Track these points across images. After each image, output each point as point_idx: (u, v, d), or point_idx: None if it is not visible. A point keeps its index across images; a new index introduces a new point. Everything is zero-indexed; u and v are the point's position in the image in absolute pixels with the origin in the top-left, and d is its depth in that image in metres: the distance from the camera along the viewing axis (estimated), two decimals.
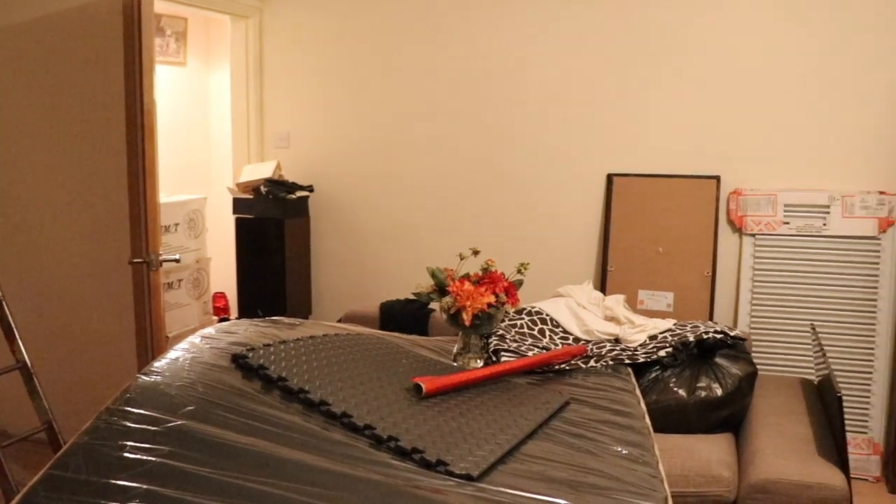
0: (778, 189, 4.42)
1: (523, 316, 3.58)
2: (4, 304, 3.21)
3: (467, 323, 2.60)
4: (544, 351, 3.14)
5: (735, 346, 3.47)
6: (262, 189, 5.18)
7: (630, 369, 2.90)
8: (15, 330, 3.20)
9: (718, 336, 3.42)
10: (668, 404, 3.26)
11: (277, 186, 5.22)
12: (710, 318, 4.48)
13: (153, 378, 2.00)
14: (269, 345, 2.23)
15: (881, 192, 4.24)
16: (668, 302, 4.56)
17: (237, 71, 5.57)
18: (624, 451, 1.98)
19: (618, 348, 3.29)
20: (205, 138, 6.51)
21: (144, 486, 1.58)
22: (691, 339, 3.40)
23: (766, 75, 4.44)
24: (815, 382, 3.81)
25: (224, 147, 6.09)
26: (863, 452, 4.27)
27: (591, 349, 3.20)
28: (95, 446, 1.71)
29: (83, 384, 3.99)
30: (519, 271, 2.77)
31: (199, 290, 5.86)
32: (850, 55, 4.29)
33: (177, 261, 3.65)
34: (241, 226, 5.32)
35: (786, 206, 4.38)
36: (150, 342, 3.62)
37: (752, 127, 4.49)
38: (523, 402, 2.24)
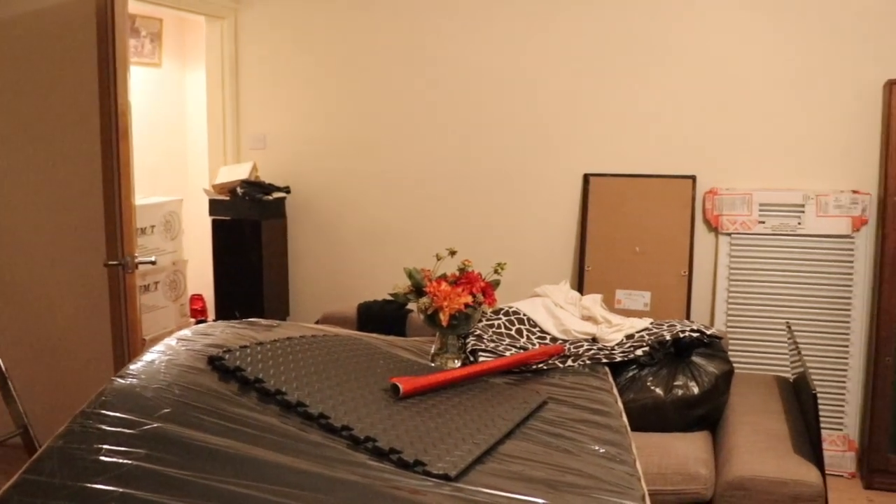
0: (753, 189, 4.45)
1: (500, 316, 3.58)
2: None
3: (444, 323, 2.60)
4: (522, 351, 3.15)
5: (711, 345, 3.48)
6: (239, 190, 5.16)
7: (607, 368, 2.91)
8: None
9: (695, 335, 3.43)
10: (645, 403, 3.27)
11: (254, 188, 5.20)
12: (687, 317, 4.50)
13: (129, 381, 1.99)
14: (245, 346, 2.23)
15: (854, 192, 4.28)
16: (646, 301, 4.58)
17: (213, 72, 5.55)
18: (601, 450, 1.99)
19: (595, 348, 3.30)
20: (181, 140, 6.47)
21: (120, 490, 1.57)
22: (668, 337, 3.41)
23: (742, 76, 4.47)
24: (791, 380, 3.83)
25: (200, 148, 6.05)
26: (838, 449, 4.30)
27: (569, 349, 3.20)
28: (70, 450, 1.70)
29: (58, 388, 3.96)
30: (496, 271, 2.78)
31: (176, 292, 5.82)
32: (824, 57, 4.33)
33: (153, 263, 3.62)
34: (217, 227, 5.29)
35: (761, 205, 4.41)
36: (127, 345, 3.60)
37: (728, 127, 4.52)
38: (501, 401, 2.25)
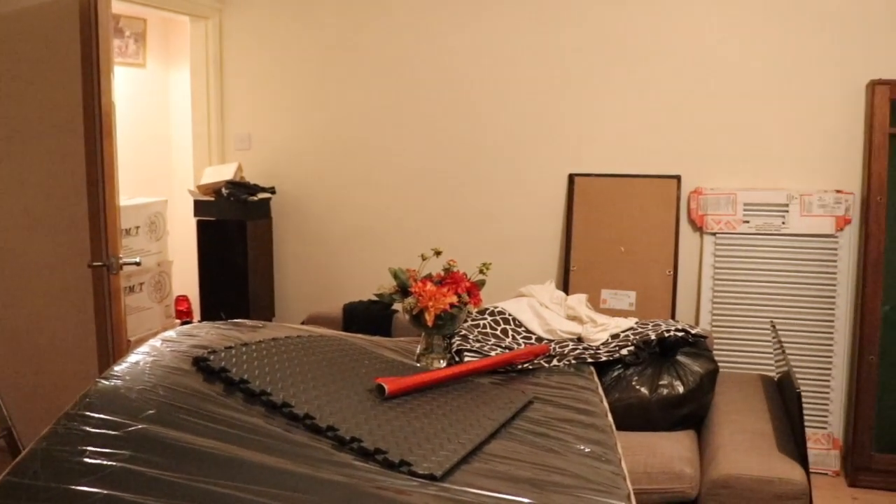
0: (737, 188, 4.47)
1: (486, 316, 3.58)
2: None
3: (430, 323, 2.60)
4: (507, 350, 3.15)
5: (696, 344, 3.49)
6: (224, 191, 5.15)
7: (592, 368, 2.92)
8: None
9: (680, 334, 3.44)
10: (630, 402, 3.28)
11: (239, 188, 5.19)
12: (672, 317, 4.52)
13: (113, 382, 1.98)
14: (230, 347, 2.22)
15: (838, 191, 4.30)
16: (631, 301, 4.59)
17: (197, 72, 5.53)
18: (587, 450, 1.99)
19: (580, 347, 3.31)
20: (165, 140, 6.45)
21: (105, 492, 1.56)
22: (653, 337, 3.42)
23: (726, 77, 4.49)
24: (775, 379, 3.85)
25: (185, 149, 6.04)
26: (822, 447, 4.32)
27: (554, 348, 3.21)
28: (54, 452, 1.69)
29: (43, 390, 3.94)
30: (481, 271, 2.78)
31: (161, 293, 5.80)
32: (808, 57, 4.35)
33: (137, 264, 3.61)
34: (202, 228, 5.27)
35: (745, 205, 4.43)
36: (111, 346, 3.58)
37: (712, 127, 4.54)
38: (486, 401, 2.25)
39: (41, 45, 3.76)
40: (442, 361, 2.67)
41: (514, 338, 3.46)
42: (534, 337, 3.49)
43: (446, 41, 4.99)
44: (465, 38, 4.94)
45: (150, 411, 1.84)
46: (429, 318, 2.59)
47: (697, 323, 4.53)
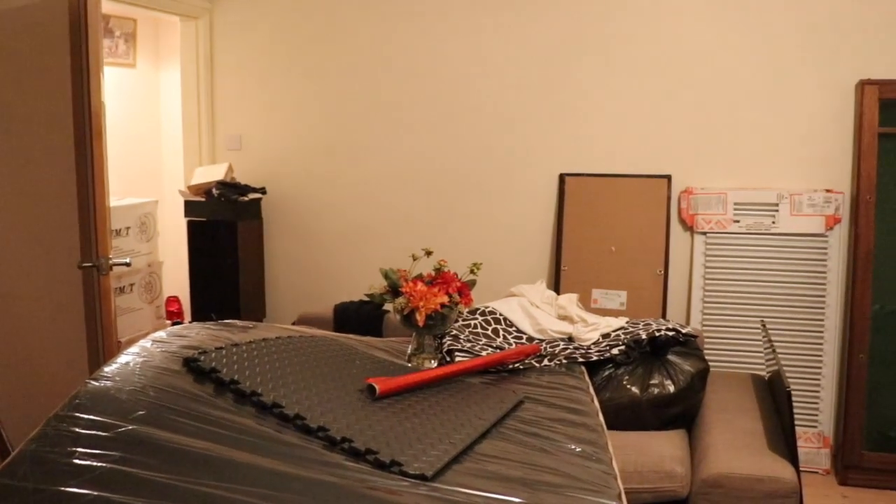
0: (728, 188, 4.48)
1: (477, 316, 3.58)
2: None
3: (421, 323, 2.60)
4: (498, 350, 3.15)
5: (687, 344, 3.50)
6: (214, 191, 5.14)
7: (583, 367, 2.92)
8: None
9: (670, 333, 3.45)
10: (621, 402, 3.28)
11: (230, 189, 5.18)
12: (663, 316, 4.53)
13: (103, 383, 1.97)
14: (221, 348, 2.21)
15: (828, 191, 4.32)
16: (622, 300, 4.60)
17: (187, 72, 5.52)
18: (578, 449, 1.99)
19: (571, 347, 3.31)
20: (155, 140, 6.43)
21: (94, 493, 1.55)
22: (644, 336, 3.43)
23: (716, 77, 4.50)
24: (766, 378, 3.86)
25: (175, 149, 6.02)
26: (813, 446, 4.34)
27: (545, 348, 3.21)
28: (43, 453, 1.68)
29: (32, 391, 3.92)
30: (472, 271, 2.78)
31: (152, 294, 5.79)
32: (797, 57, 4.36)
33: (127, 265, 3.60)
34: (193, 229, 5.26)
35: (736, 204, 4.45)
36: (101, 347, 3.57)
37: (703, 127, 4.55)
38: (477, 401, 2.25)
39: (30, 44, 3.74)
40: (433, 361, 2.67)
41: (504, 338, 3.46)
42: (525, 337, 3.50)
43: (437, 42, 4.99)
44: (456, 38, 4.94)
45: (141, 412, 1.84)
46: (419, 319, 2.59)
47: (688, 322, 4.54)
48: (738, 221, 4.44)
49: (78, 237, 3.50)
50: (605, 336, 3.51)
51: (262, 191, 5.37)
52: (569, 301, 3.84)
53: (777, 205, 4.37)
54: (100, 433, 1.75)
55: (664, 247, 4.56)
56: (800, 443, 4.24)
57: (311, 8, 5.23)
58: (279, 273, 5.51)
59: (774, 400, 3.43)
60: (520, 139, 4.89)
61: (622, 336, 3.48)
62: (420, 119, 5.07)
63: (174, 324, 5.71)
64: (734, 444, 3.01)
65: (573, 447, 2.00)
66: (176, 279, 5.96)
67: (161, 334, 2.39)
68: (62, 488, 1.57)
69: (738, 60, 4.46)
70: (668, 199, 4.57)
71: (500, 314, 3.63)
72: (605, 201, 4.68)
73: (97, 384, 1.97)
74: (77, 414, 1.82)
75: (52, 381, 3.89)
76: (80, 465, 1.64)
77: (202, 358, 2.10)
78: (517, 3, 4.79)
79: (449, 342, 3.13)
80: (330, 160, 5.30)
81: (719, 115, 4.52)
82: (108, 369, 2.06)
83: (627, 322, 3.67)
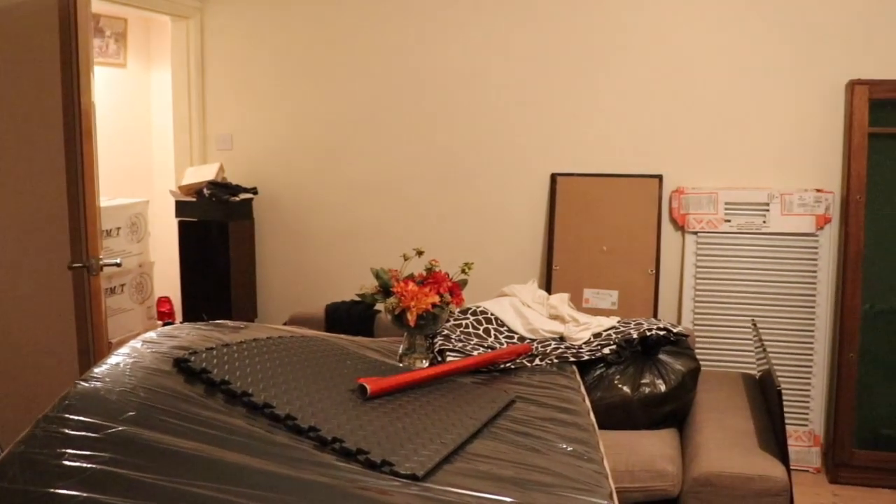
0: (719, 188, 4.49)
1: (468, 316, 3.58)
2: None
3: (412, 323, 2.60)
4: (490, 350, 3.15)
5: (678, 343, 3.50)
6: (206, 191, 5.13)
7: (575, 367, 2.92)
8: None
9: (661, 333, 3.45)
10: (612, 401, 3.28)
11: (221, 189, 5.17)
12: (655, 316, 4.53)
13: (93, 384, 1.96)
14: (211, 348, 2.21)
15: (818, 190, 4.33)
16: (613, 300, 4.60)
17: (178, 72, 5.51)
18: (569, 448, 2.00)
19: (562, 346, 3.31)
20: (146, 141, 6.42)
21: (84, 495, 1.55)
22: (635, 336, 3.43)
23: (707, 77, 4.51)
24: (757, 377, 3.87)
25: (166, 149, 6.01)
26: (804, 444, 4.35)
27: (536, 348, 3.21)
28: (33, 455, 1.67)
29: (22, 393, 3.91)
30: (463, 271, 2.78)
31: (143, 294, 5.77)
32: (787, 57, 4.38)
33: (118, 265, 3.58)
34: (184, 229, 5.25)
35: (727, 204, 4.46)
36: (92, 348, 3.56)
37: (694, 127, 4.56)
38: (469, 401, 2.25)
39: (19, 44, 3.72)
40: (424, 361, 2.67)
41: (496, 337, 3.46)
42: (516, 336, 3.50)
43: (428, 43, 4.99)
44: (447, 39, 4.94)
45: (131, 413, 1.83)
46: (411, 318, 2.59)
47: (679, 321, 4.55)
48: (729, 221, 4.45)
49: (68, 238, 3.49)
50: (597, 335, 3.51)
51: (254, 191, 5.36)
52: (560, 301, 3.84)
53: (768, 204, 4.38)
54: (90, 434, 1.74)
55: (655, 246, 4.57)
56: (790, 441, 4.26)
57: (301, 8, 5.22)
58: (271, 273, 5.50)
59: (765, 399, 3.44)
60: (511, 139, 4.89)
61: (613, 335, 3.49)
62: (411, 119, 5.07)
63: (165, 324, 5.70)
64: (725, 443, 3.01)
65: (564, 446, 2.00)
66: (167, 280, 5.95)
67: (151, 335, 2.39)
68: (52, 490, 1.56)
69: (728, 60, 4.47)
70: (660, 198, 4.58)
71: (492, 314, 3.63)
72: (597, 201, 4.68)
73: (87, 385, 1.96)
74: (67, 415, 1.81)
75: (42, 383, 3.87)
76: (70, 466, 1.63)
77: (193, 358, 2.10)
78: (507, 4, 4.79)
79: (440, 342, 3.13)
80: (321, 160, 5.29)
81: (710, 115, 4.53)
82: (98, 370, 2.05)
83: (619, 321, 3.67)
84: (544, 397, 2.41)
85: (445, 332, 3.26)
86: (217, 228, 5.17)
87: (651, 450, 3.08)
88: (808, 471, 4.33)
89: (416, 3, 4.98)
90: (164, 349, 2.22)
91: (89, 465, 1.63)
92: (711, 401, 3.49)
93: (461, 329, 3.43)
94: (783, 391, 2.89)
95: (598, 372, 3.35)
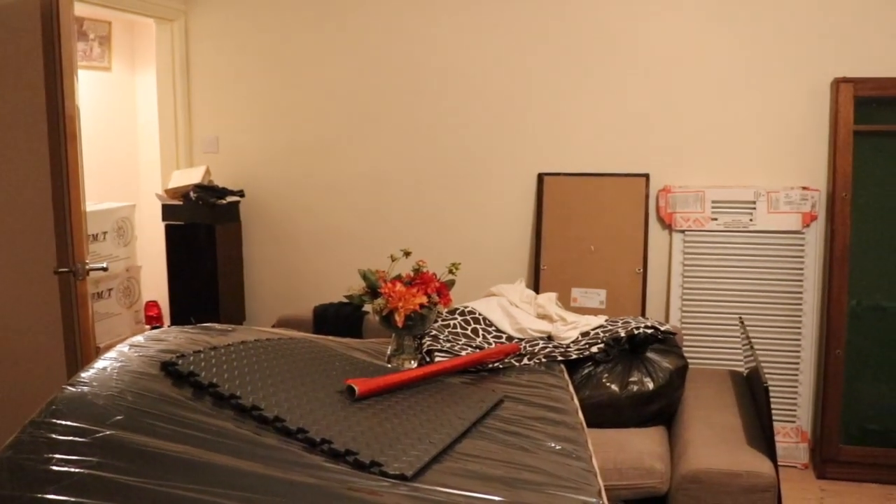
0: (706, 186, 4.50)
1: (456, 316, 3.58)
2: None
3: (400, 324, 2.60)
4: (478, 350, 3.16)
5: (666, 341, 3.51)
6: (192, 195, 5.11)
7: (563, 366, 2.93)
8: None
9: (649, 331, 3.46)
10: (600, 399, 3.29)
11: (207, 192, 5.15)
12: (642, 314, 4.54)
13: (80, 389, 1.96)
14: (199, 351, 2.21)
15: (804, 188, 4.35)
16: (601, 299, 4.61)
17: (163, 75, 5.49)
18: (558, 447, 2.00)
19: (550, 346, 3.32)
20: (132, 144, 6.39)
21: (72, 499, 1.55)
22: (623, 334, 3.44)
23: (693, 75, 4.52)
24: (744, 374, 3.88)
25: (152, 153, 5.99)
26: (791, 441, 4.37)
27: (525, 347, 3.22)
28: (20, 460, 1.67)
29: (9, 398, 3.89)
30: (450, 271, 2.78)
31: (130, 298, 5.75)
32: (773, 55, 4.39)
33: (104, 269, 3.58)
34: (171, 232, 5.23)
35: (713, 202, 4.47)
36: (79, 353, 3.54)
37: (680, 125, 4.57)
38: (457, 401, 2.25)
39: (1, 48, 3.71)
40: (412, 362, 2.67)
41: (484, 337, 3.46)
42: (504, 336, 3.50)
43: (414, 43, 4.99)
44: (433, 40, 4.94)
45: (118, 417, 1.83)
46: (399, 319, 2.59)
47: (667, 320, 4.56)
48: (715, 219, 4.47)
49: (54, 242, 3.47)
50: (585, 334, 3.52)
51: (241, 193, 5.35)
52: (548, 300, 3.85)
53: (754, 202, 4.40)
54: (77, 439, 1.74)
55: (643, 245, 4.58)
56: (778, 437, 4.27)
57: (286, 11, 5.21)
58: (258, 276, 5.49)
59: (753, 396, 3.45)
60: (498, 139, 4.89)
61: (601, 334, 3.49)
62: (398, 120, 5.07)
63: (153, 328, 5.69)
64: (713, 440, 3.02)
65: (553, 445, 2.01)
66: (154, 283, 5.93)
67: (139, 339, 2.38)
68: (39, 495, 1.56)
69: (714, 59, 4.48)
70: (647, 197, 4.59)
71: (480, 314, 3.63)
72: (584, 201, 4.69)
73: (74, 390, 1.95)
74: (54, 420, 1.81)
75: (29, 388, 3.85)
76: (58, 471, 1.63)
77: (180, 362, 2.10)
78: (491, 6, 4.80)
79: (428, 342, 3.13)
80: (308, 162, 5.28)
81: (696, 113, 4.54)
82: (85, 375, 2.05)
83: (606, 320, 3.68)
84: (533, 396, 2.42)
85: (433, 332, 3.26)
86: (204, 231, 5.16)
87: (639, 447, 3.09)
88: (795, 467, 4.34)
89: (399, 6, 4.98)
90: (152, 353, 2.22)
91: (77, 470, 1.63)
92: (699, 398, 3.50)
93: (449, 329, 3.43)
94: (770, 388, 2.90)
95: (586, 371, 3.36)
